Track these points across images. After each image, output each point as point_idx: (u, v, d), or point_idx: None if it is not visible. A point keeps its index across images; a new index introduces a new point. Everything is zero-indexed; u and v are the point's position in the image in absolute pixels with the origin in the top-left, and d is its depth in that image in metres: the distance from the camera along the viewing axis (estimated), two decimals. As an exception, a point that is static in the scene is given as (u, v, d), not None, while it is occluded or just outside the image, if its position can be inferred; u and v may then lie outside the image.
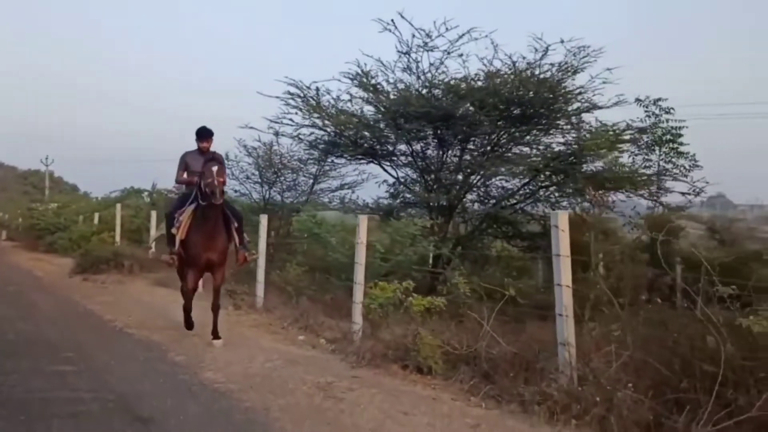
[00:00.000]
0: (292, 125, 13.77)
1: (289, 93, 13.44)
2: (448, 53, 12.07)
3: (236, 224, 7.11)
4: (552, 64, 11.89)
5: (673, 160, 12.45)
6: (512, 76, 12.04)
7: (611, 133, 12.00)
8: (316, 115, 13.58)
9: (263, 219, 10.08)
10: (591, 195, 11.62)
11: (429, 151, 13.57)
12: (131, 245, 14.84)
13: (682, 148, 12.61)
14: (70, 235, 18.31)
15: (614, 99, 12.13)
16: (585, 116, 12.45)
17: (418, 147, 13.48)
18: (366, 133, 13.21)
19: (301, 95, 13.63)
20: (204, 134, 7.24)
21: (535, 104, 12.06)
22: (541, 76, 11.94)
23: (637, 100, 12.47)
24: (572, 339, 4.79)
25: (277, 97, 13.43)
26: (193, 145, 7.44)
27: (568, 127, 13.04)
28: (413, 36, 12.02)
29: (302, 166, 18.51)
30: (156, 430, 4.07)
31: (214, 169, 6.49)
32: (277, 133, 14.78)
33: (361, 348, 6.01)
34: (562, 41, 11.59)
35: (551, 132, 13.11)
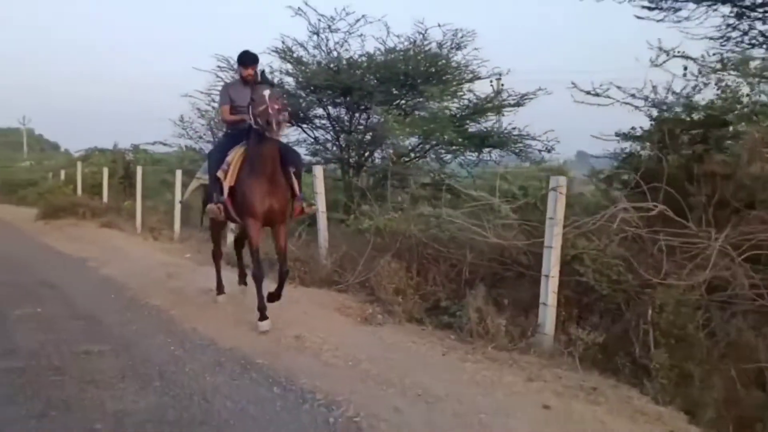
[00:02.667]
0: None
1: (219, 67, 16.66)
2: (349, 33, 15.24)
3: (294, 168, 6.17)
4: (437, 42, 15.08)
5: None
6: (409, 52, 15.20)
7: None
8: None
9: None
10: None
11: (342, 115, 16.83)
12: (90, 196, 18.20)
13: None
14: (39, 189, 21.60)
15: (491, 72, 15.45)
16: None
17: (333, 112, 16.74)
18: (285, 101, 16.40)
19: (232, 69, 16.85)
20: (247, 60, 6.33)
21: (428, 75, 15.27)
22: (431, 51, 15.10)
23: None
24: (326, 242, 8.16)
25: (211, 71, 16.61)
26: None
27: (460, 94, 16.32)
28: (318, 20, 15.18)
29: (250, 127, 21.78)
30: (57, 290, 7.44)
31: (266, 93, 5.49)
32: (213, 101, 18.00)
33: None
34: (438, 25, 14.77)
35: (445, 98, 16.21)
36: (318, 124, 17.16)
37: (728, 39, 8.31)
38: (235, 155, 5.98)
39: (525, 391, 3.99)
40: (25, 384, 4.19)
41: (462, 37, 15.06)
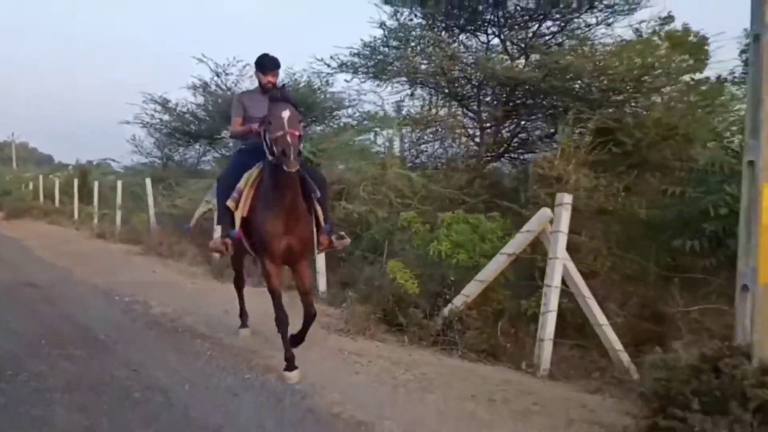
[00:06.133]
0: (142, 122, 22.73)
1: (144, 102, 22.51)
2: (241, 76, 21.00)
3: (318, 194, 5.35)
4: (306, 80, 20.87)
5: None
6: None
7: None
8: (165, 114, 22.68)
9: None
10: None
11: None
12: (47, 202, 24.25)
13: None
14: (12, 197, 27.50)
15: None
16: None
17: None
18: (193, 126, 22.21)
19: (156, 101, 22.69)
20: (268, 64, 5.79)
21: (306, 106, 21.02)
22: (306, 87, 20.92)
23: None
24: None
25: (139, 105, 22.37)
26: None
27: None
28: (216, 66, 20.95)
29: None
30: (5, 263, 13.22)
31: (285, 115, 4.77)
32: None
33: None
34: (304, 70, 20.53)
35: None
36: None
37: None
38: (248, 180, 5.34)
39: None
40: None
41: (325, 76, 20.93)
